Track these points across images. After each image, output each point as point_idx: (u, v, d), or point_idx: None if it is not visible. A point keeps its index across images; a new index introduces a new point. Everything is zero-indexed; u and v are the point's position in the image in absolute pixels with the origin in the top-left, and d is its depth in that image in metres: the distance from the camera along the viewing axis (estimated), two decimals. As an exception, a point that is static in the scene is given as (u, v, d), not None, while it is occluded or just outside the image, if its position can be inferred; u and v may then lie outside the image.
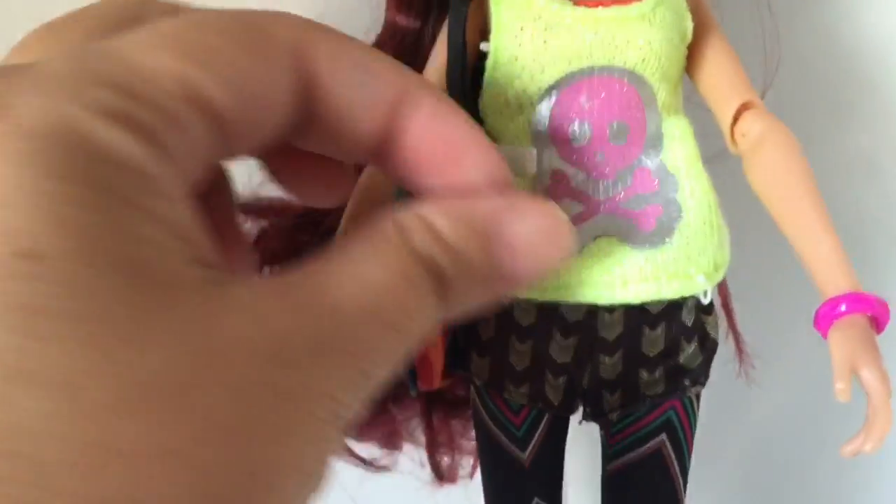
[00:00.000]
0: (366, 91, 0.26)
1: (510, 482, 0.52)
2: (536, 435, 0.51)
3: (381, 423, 0.66)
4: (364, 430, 0.65)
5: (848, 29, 0.67)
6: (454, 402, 0.64)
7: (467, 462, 0.68)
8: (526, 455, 0.51)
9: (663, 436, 0.50)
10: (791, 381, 0.72)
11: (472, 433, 0.67)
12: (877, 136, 0.70)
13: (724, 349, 0.63)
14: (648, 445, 0.50)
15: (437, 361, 0.52)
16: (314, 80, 0.25)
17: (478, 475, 0.68)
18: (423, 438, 0.67)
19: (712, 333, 0.52)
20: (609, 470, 0.52)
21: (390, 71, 0.27)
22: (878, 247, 0.71)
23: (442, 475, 0.66)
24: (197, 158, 0.22)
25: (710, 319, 0.52)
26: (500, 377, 0.51)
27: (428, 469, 0.66)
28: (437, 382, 0.56)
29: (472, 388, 0.53)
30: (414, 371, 0.53)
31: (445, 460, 0.66)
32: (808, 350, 0.72)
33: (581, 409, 0.53)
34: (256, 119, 0.23)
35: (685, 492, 0.51)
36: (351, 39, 0.27)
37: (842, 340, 0.42)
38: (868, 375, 0.42)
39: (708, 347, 0.52)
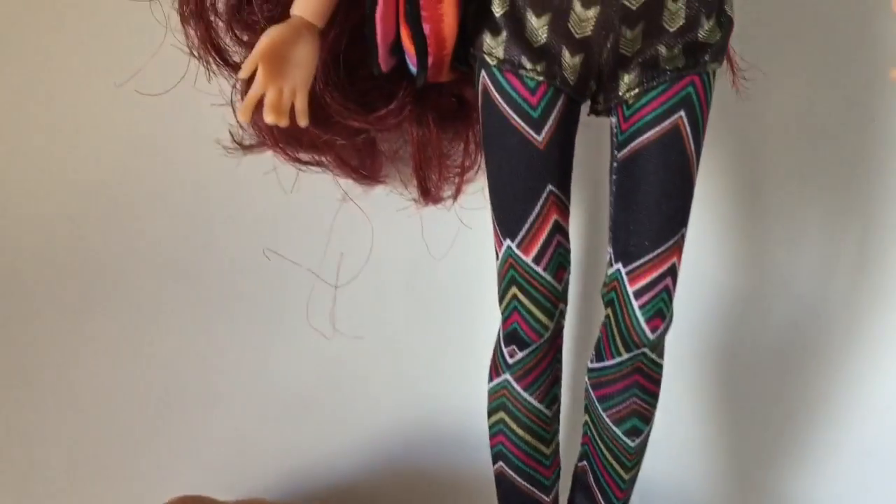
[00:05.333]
0: None
1: (525, 168, 0.50)
2: (552, 118, 0.50)
3: (363, 147, 0.63)
4: (346, 154, 0.63)
5: None
6: (444, 113, 0.62)
7: (449, 188, 0.67)
8: (542, 137, 0.50)
9: (682, 112, 0.50)
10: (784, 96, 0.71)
11: (457, 156, 0.66)
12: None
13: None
14: (666, 123, 0.50)
15: (450, 36, 0.50)
16: None
17: (462, 197, 0.68)
18: (409, 159, 0.65)
19: (728, 10, 0.51)
20: (621, 157, 0.52)
21: None
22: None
23: (428, 192, 0.65)
24: None
25: None
26: (516, 54, 0.49)
27: (413, 187, 0.65)
28: (445, 72, 0.53)
29: (481, 75, 0.51)
30: (425, 57, 0.51)
31: (432, 178, 0.64)
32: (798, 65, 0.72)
33: (592, 99, 0.52)
34: None
35: (697, 169, 0.52)
36: None
37: None
38: None
39: (725, 24, 0.51)
